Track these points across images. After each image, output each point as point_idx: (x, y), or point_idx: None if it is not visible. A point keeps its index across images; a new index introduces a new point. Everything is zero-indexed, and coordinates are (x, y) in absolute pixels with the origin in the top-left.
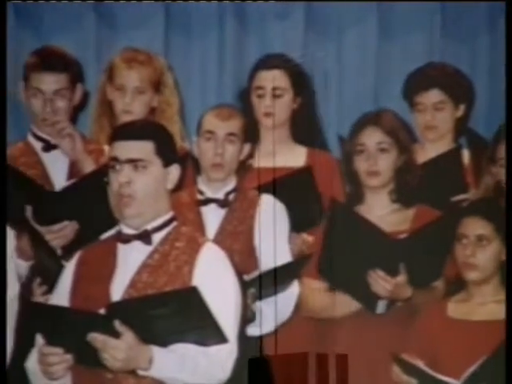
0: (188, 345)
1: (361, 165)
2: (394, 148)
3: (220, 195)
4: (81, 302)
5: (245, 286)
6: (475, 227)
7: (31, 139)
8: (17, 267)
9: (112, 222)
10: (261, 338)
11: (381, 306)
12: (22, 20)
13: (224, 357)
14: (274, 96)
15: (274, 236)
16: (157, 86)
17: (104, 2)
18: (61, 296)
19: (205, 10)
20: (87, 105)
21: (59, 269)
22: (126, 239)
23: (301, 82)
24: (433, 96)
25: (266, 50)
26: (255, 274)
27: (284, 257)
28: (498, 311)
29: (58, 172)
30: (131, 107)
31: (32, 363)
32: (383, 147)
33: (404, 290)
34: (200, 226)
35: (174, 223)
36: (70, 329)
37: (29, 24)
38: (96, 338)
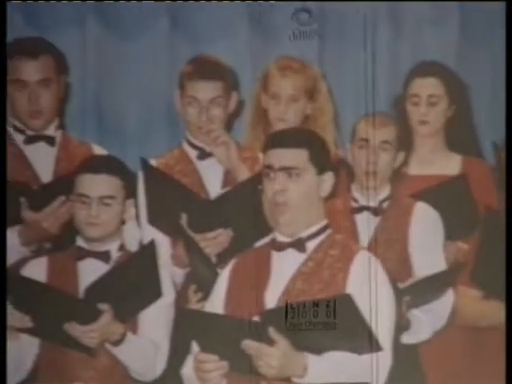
0: (342, 352)
1: None
2: None
3: (374, 203)
4: (235, 309)
5: (399, 293)
6: None
7: (186, 147)
8: (172, 275)
9: (266, 229)
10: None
11: None
12: (178, 28)
13: (378, 365)
14: (430, 104)
15: (428, 244)
16: (311, 93)
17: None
18: (215, 303)
19: (359, 16)
20: (242, 113)
21: (214, 276)
22: (281, 247)
23: (456, 89)
24: None
25: (420, 56)
26: (410, 281)
27: (439, 265)
28: None
29: (212, 180)
30: (285, 115)
31: (188, 370)
32: None
33: None
34: (354, 234)
35: (328, 231)
36: (224, 336)
37: (184, 32)
38: (250, 345)
